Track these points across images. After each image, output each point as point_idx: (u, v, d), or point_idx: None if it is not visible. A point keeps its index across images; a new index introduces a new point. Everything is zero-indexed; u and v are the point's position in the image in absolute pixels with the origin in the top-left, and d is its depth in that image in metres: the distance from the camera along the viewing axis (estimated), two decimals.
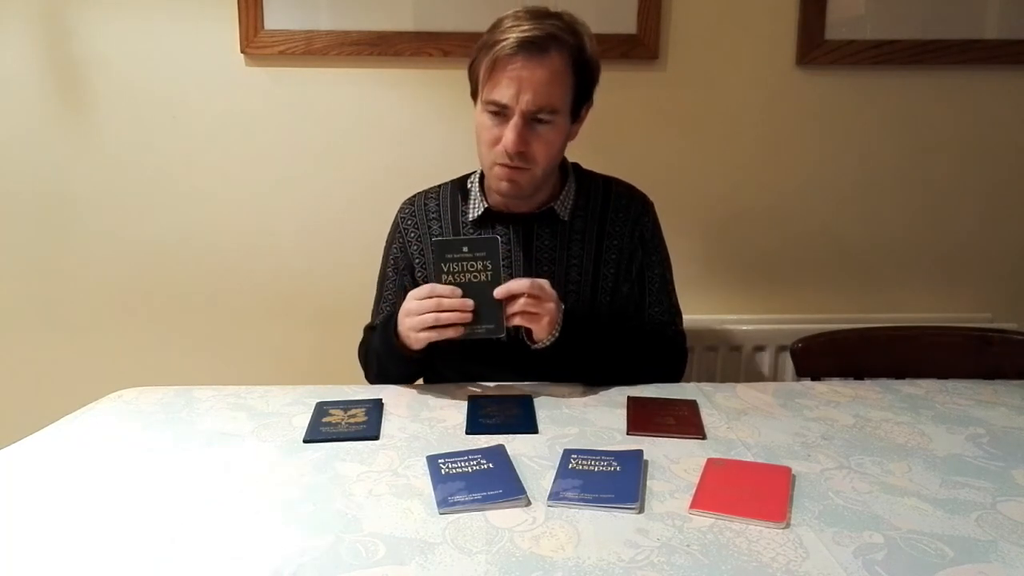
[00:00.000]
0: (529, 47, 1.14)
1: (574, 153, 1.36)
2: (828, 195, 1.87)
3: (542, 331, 1.15)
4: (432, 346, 1.16)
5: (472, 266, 1.12)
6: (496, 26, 1.18)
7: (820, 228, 1.89)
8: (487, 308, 1.12)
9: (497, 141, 1.18)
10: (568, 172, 1.33)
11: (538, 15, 1.17)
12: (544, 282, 1.15)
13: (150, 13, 1.74)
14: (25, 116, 1.79)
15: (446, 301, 1.11)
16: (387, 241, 1.40)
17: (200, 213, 1.84)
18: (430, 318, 1.12)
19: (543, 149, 1.20)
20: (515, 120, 1.16)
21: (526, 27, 1.15)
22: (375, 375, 1.32)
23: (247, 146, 1.81)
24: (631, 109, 1.78)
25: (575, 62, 1.18)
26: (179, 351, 1.90)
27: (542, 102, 1.16)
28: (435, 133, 1.80)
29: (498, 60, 1.15)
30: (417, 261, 1.34)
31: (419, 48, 1.75)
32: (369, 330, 1.36)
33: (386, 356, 1.24)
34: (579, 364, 1.20)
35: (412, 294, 1.16)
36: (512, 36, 1.14)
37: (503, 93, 1.16)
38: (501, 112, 1.18)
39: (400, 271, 1.36)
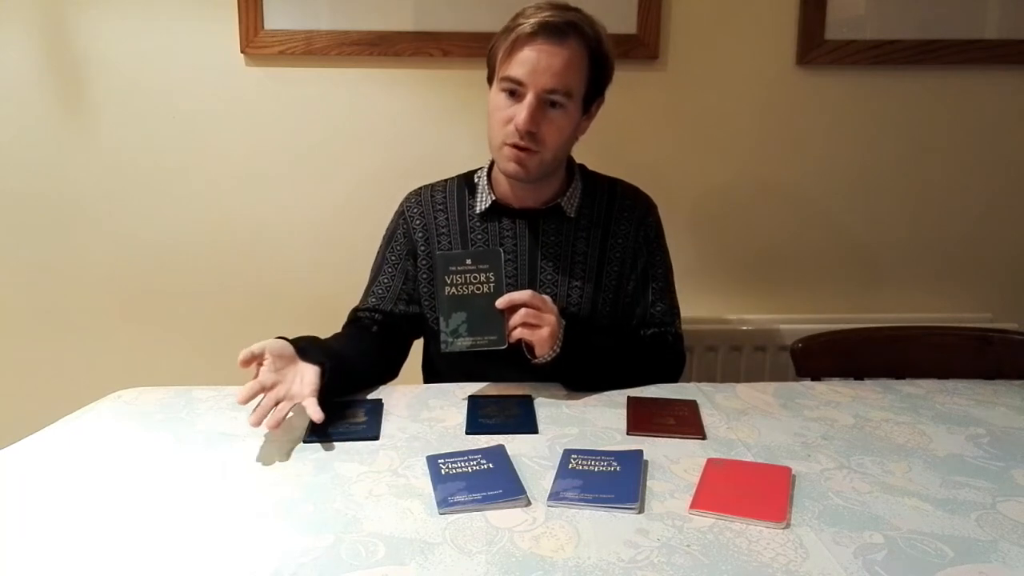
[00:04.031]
0: (551, 29, 1.17)
1: (575, 152, 1.36)
2: (828, 195, 1.87)
3: (543, 345, 1.15)
4: (432, 347, 1.14)
5: (475, 278, 1.13)
6: (519, 14, 1.21)
7: (820, 228, 1.89)
8: (490, 320, 1.13)
9: (509, 120, 1.20)
10: (574, 171, 1.34)
11: (560, 7, 1.21)
12: (546, 296, 1.17)
13: (150, 13, 1.74)
14: (25, 116, 1.78)
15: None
16: (388, 229, 1.39)
17: (200, 213, 1.84)
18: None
19: (553, 133, 1.21)
20: (529, 99, 1.18)
21: (548, 14, 1.18)
22: None
23: (247, 146, 1.81)
24: (631, 109, 1.78)
25: (592, 53, 1.21)
26: (179, 351, 1.90)
27: (558, 83, 1.18)
28: (435, 133, 1.80)
29: (518, 39, 1.18)
30: (422, 249, 1.34)
31: (419, 48, 1.75)
32: (353, 312, 1.36)
33: None
34: (579, 379, 1.21)
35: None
36: (534, 19, 1.18)
37: (520, 70, 1.18)
38: (516, 91, 1.20)
39: (403, 257, 1.35)
